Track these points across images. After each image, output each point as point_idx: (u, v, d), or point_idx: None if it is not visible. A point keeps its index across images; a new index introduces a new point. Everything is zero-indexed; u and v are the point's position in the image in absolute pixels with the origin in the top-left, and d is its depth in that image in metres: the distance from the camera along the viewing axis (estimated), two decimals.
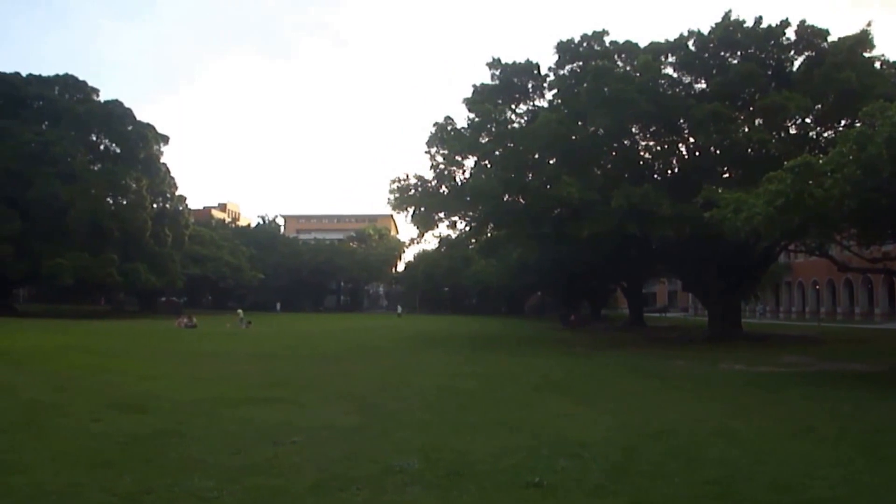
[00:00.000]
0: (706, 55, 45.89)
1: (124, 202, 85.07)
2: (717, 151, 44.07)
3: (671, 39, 46.55)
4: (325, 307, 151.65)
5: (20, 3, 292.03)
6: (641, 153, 47.94)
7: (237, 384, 21.59)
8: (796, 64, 45.27)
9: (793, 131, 44.77)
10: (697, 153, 45.96)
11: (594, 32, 47.98)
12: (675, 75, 47.02)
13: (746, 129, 42.08)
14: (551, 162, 45.60)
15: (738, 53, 45.34)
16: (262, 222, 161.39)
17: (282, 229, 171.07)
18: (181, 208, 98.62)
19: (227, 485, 9.77)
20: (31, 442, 12.45)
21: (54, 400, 17.44)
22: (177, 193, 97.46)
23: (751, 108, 44.08)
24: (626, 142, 46.66)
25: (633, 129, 46.13)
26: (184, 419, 15.03)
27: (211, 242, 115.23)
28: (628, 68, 45.42)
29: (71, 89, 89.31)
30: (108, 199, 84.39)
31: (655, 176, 46.55)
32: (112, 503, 8.98)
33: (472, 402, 18.66)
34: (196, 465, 10.93)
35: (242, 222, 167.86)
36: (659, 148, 47.52)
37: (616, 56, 47.13)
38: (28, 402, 16.97)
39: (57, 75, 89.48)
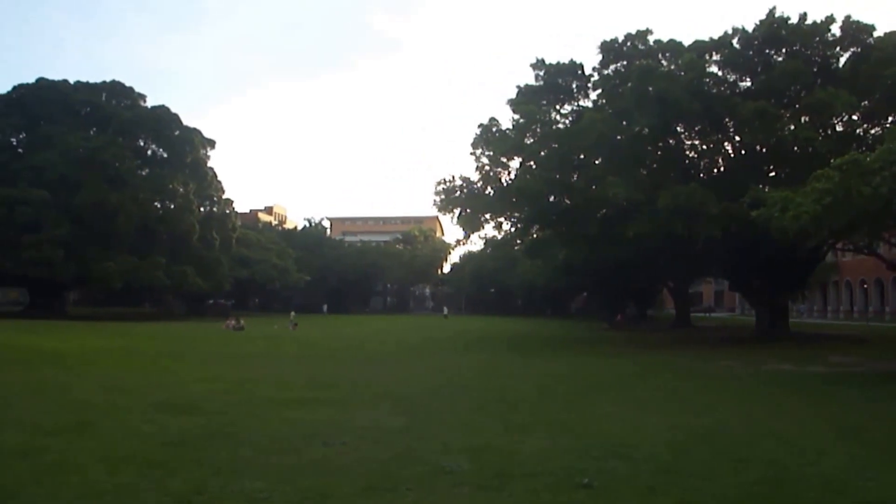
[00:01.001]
0: (751, 53, 45.54)
1: (172, 206, 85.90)
2: (763, 150, 43.77)
3: (715, 37, 46.22)
4: (371, 309, 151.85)
5: (71, 14, 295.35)
6: (687, 152, 47.67)
7: (286, 385, 21.70)
8: (842, 60, 44.78)
9: (839, 129, 44.29)
10: (743, 152, 45.62)
11: (638, 31, 47.84)
12: (719, 73, 46.69)
13: (792, 127, 41.66)
14: (596, 162, 45.47)
15: (783, 51, 44.93)
16: (308, 225, 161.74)
17: (328, 232, 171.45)
18: (228, 212, 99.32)
19: (278, 485, 9.81)
20: (84, 443, 12.59)
21: (106, 401, 17.61)
22: (223, 197, 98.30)
23: (796, 106, 43.62)
24: (671, 141, 46.41)
25: (679, 129, 45.84)
26: (233, 420, 15.15)
27: (258, 245, 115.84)
28: (673, 67, 45.15)
29: (118, 96, 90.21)
30: (156, 204, 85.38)
31: (701, 175, 46.18)
32: (165, 503, 9.05)
33: (520, 403, 18.63)
34: (246, 465, 11.03)
35: (289, 225, 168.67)
36: (704, 147, 47.25)
37: (660, 55, 46.91)
38: (80, 403, 17.13)
39: (104, 82, 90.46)
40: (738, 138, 45.26)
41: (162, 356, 32.60)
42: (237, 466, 10.96)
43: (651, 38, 47.53)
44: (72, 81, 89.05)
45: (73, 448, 12.12)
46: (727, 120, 44.02)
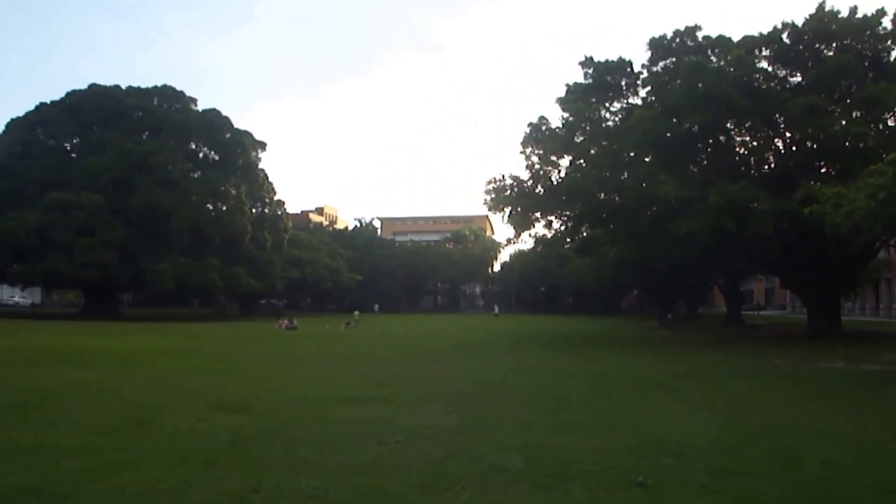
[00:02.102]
0: (801, 47, 45.03)
1: (224, 208, 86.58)
2: (814, 146, 43.28)
3: (765, 32, 45.80)
4: (422, 308, 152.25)
5: (120, 19, 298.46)
6: (737, 149, 47.22)
7: (339, 384, 21.81)
8: (893, 54, 44.22)
9: (891, 123, 43.66)
10: (794, 148, 45.14)
11: (686, 28, 47.51)
12: (769, 69, 46.16)
13: (844, 123, 41.12)
14: (646, 160, 45.19)
15: (834, 45, 44.32)
16: (358, 225, 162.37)
17: (378, 231, 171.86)
18: (279, 213, 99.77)
19: (333, 484, 9.87)
20: (141, 441, 12.73)
21: (161, 401, 17.77)
22: (275, 198, 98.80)
23: (848, 101, 43.02)
24: (721, 138, 45.98)
25: (728, 125, 45.44)
26: (288, 419, 15.23)
27: (309, 246, 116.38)
28: (722, 63, 44.71)
29: (169, 100, 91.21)
30: (208, 206, 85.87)
31: (752, 172, 45.73)
32: (221, 501, 9.13)
33: (572, 401, 18.60)
34: (301, 464, 11.09)
35: (339, 225, 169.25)
36: (755, 143, 46.80)
37: (709, 51, 46.52)
38: (136, 403, 17.29)
39: (155, 86, 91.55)
40: (788, 134, 44.80)
41: (216, 356, 32.86)
42: (292, 465, 11.03)
43: (700, 35, 47.19)
44: (123, 87, 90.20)
45: (129, 447, 12.26)
46: (777, 116, 43.55)
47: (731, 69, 43.06)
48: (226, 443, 12.68)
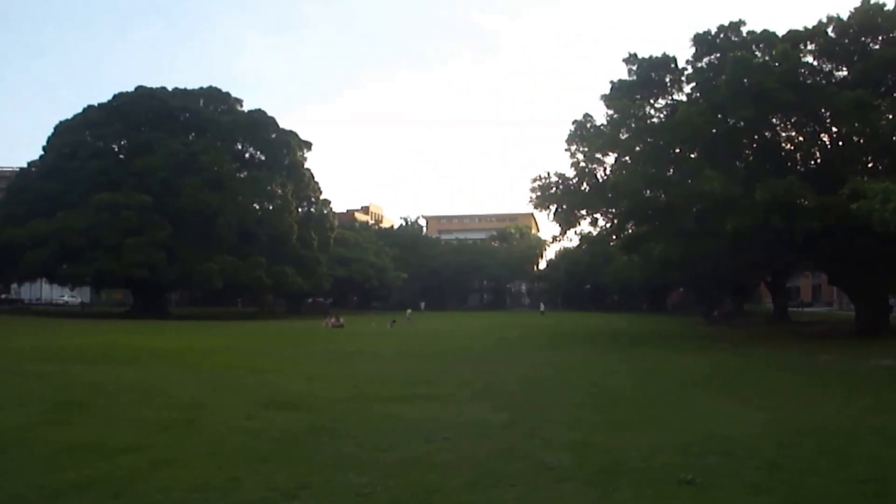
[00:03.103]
0: (846, 41, 44.49)
1: (270, 207, 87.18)
2: (861, 140, 42.85)
3: (809, 26, 45.39)
4: (468, 306, 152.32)
5: (166, 21, 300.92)
6: (783, 144, 46.80)
7: (386, 382, 21.90)
8: None
9: None
10: (841, 143, 44.65)
11: (731, 23, 47.04)
12: (814, 63, 45.62)
13: (890, 117, 40.72)
14: (692, 156, 44.95)
15: (880, 38, 43.74)
16: (404, 224, 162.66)
17: (424, 230, 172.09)
18: (326, 212, 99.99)
19: (382, 480, 9.93)
20: (191, 438, 12.89)
21: (210, 398, 17.98)
22: (321, 197, 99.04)
23: (894, 95, 42.79)
24: (766, 133, 45.60)
25: (774, 120, 45.10)
26: (336, 416, 15.33)
27: (355, 244, 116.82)
28: (767, 58, 44.25)
29: (215, 101, 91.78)
30: (255, 205, 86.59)
31: (798, 167, 45.34)
32: (271, 497, 9.21)
33: (620, 399, 18.60)
34: (350, 460, 11.17)
35: (385, 224, 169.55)
36: (801, 138, 46.34)
37: (754, 46, 45.98)
38: (186, 400, 17.45)
39: (201, 88, 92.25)
40: (834, 129, 44.35)
41: (264, 354, 33.16)
42: (340, 462, 11.12)
43: (744, 30, 46.64)
44: (169, 88, 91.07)
45: (180, 444, 12.42)
46: (823, 110, 43.12)
47: (777, 64, 42.70)
48: (275, 440, 12.79)
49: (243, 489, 9.60)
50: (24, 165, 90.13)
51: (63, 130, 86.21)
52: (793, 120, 45.15)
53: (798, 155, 46.62)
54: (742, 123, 42.81)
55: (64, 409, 15.99)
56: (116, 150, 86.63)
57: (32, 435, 12.94)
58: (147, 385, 20.40)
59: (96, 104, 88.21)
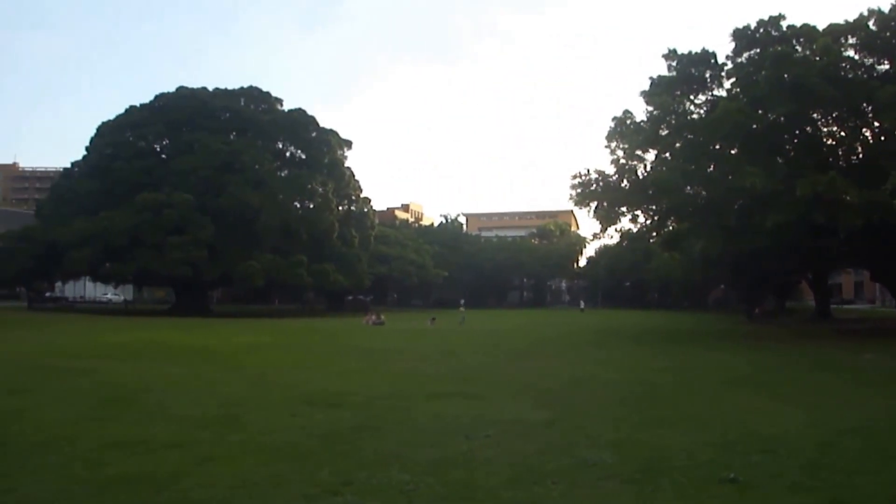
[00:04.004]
0: (888, 34, 43.97)
1: (311, 206, 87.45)
2: None
3: (850, 20, 45.01)
4: (508, 303, 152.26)
5: (207, 24, 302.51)
6: (824, 139, 46.47)
7: (427, 379, 21.94)
8: None
9: None
10: (883, 138, 44.13)
11: (770, 17, 46.67)
12: (856, 57, 45.14)
13: None
14: (732, 152, 44.72)
15: None
16: (444, 221, 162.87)
17: (464, 228, 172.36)
18: (366, 210, 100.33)
19: (424, 478, 9.97)
20: (234, 435, 12.95)
21: (253, 395, 18.07)
22: (361, 196, 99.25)
23: None
24: (808, 128, 45.26)
25: (815, 115, 44.75)
26: (378, 413, 15.37)
27: (396, 242, 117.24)
28: (807, 52, 43.94)
29: (255, 100, 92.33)
30: (296, 204, 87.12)
31: (840, 163, 44.96)
32: (315, 494, 9.25)
33: (661, 397, 18.54)
34: (392, 458, 11.17)
35: (425, 222, 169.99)
36: (842, 133, 45.95)
37: (794, 40, 45.64)
38: (229, 397, 17.58)
39: (241, 88, 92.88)
40: (877, 124, 43.98)
41: (306, 351, 33.42)
42: (383, 459, 11.14)
43: (784, 24, 46.30)
44: (210, 88, 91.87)
45: (223, 440, 12.53)
46: (865, 105, 42.68)
47: (817, 58, 42.37)
48: (317, 437, 12.86)
49: (286, 486, 9.67)
50: (68, 166, 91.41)
51: (105, 131, 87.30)
52: (834, 115, 44.78)
53: (840, 150, 46.24)
54: (783, 119, 42.58)
55: (109, 405, 16.19)
56: (158, 149, 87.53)
57: (78, 431, 13.08)
58: (190, 382, 20.62)
59: (138, 105, 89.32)
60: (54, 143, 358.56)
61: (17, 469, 10.32)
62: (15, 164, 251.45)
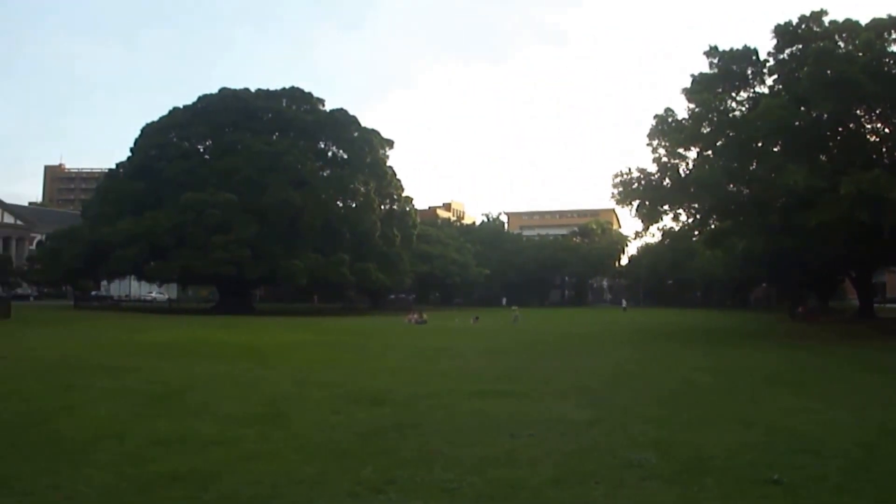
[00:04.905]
0: None
1: (353, 205, 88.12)
2: None
3: (894, 14, 44.63)
4: (550, 302, 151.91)
5: (249, 25, 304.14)
6: (868, 136, 46.07)
7: (469, 378, 21.92)
8: None
9: None
10: None
11: (812, 13, 46.25)
12: None
13: None
14: (775, 149, 44.46)
15: None
16: (486, 220, 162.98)
17: (506, 226, 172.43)
18: (408, 209, 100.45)
19: (467, 476, 9.98)
20: (277, 433, 13.01)
21: (296, 393, 18.16)
22: (403, 195, 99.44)
23: None
24: (851, 125, 44.83)
25: (859, 112, 44.38)
26: (420, 411, 15.41)
27: (437, 241, 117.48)
28: (850, 48, 43.56)
29: (297, 101, 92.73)
30: (338, 203, 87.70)
31: (885, 160, 44.57)
32: (357, 492, 9.29)
33: (704, 397, 18.44)
34: (435, 456, 11.21)
35: (467, 221, 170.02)
36: (887, 130, 45.64)
37: (836, 36, 45.16)
38: (273, 395, 17.68)
39: (283, 88, 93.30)
40: None
41: (348, 349, 33.45)
42: (426, 457, 11.18)
43: (826, 20, 45.85)
44: (252, 89, 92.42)
45: (266, 437, 12.61)
46: None
47: (860, 54, 42.03)
48: (360, 435, 12.89)
49: (330, 483, 9.72)
50: (113, 167, 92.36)
51: (150, 132, 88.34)
52: (878, 111, 44.43)
53: (884, 147, 45.81)
54: (826, 116, 42.24)
55: (155, 402, 16.36)
56: (201, 150, 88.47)
57: (125, 428, 13.21)
58: (235, 380, 20.76)
59: (181, 106, 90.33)
60: (99, 144, 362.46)
61: (65, 466, 10.45)
62: (61, 165, 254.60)
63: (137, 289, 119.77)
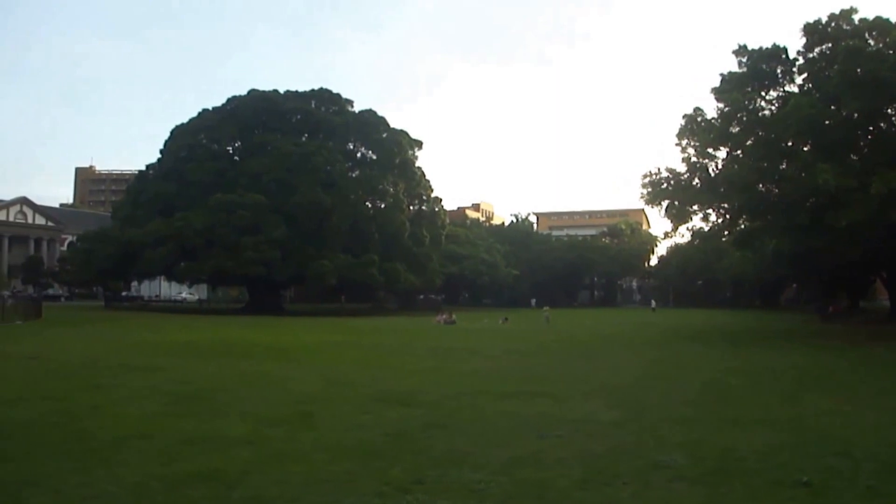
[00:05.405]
0: None
1: (382, 206, 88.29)
2: None
3: None
4: (579, 302, 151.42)
5: (277, 28, 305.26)
6: None
7: (498, 378, 21.96)
8: None
9: None
10: None
11: (842, 11, 45.78)
12: None
13: None
14: (805, 149, 44.20)
15: None
16: (515, 220, 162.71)
17: (534, 227, 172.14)
18: (437, 209, 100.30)
19: (495, 477, 9.99)
20: (306, 433, 13.09)
21: (325, 393, 18.26)
22: (432, 195, 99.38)
23: None
24: (882, 124, 44.47)
25: (890, 111, 44.09)
26: (449, 412, 15.44)
27: (466, 241, 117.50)
28: (881, 46, 43.22)
29: (326, 102, 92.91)
30: (367, 204, 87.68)
31: None
32: (385, 492, 9.29)
33: (733, 397, 18.39)
34: (463, 456, 11.23)
35: (496, 221, 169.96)
36: None
37: (866, 34, 44.74)
38: (301, 395, 17.77)
39: (312, 90, 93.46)
40: None
41: (377, 350, 33.53)
42: (454, 457, 11.20)
43: (856, 18, 45.34)
44: (281, 91, 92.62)
45: (295, 437, 12.69)
46: None
47: (891, 52, 41.74)
48: (389, 435, 12.93)
49: (358, 483, 9.74)
50: (143, 168, 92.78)
51: (179, 134, 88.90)
52: None
53: None
54: (856, 114, 41.93)
55: (184, 402, 16.49)
56: (231, 151, 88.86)
57: (154, 426, 13.35)
58: (263, 380, 20.86)
59: (211, 108, 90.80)
60: (130, 146, 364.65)
61: (95, 464, 10.55)
62: (92, 167, 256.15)
63: (167, 289, 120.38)
